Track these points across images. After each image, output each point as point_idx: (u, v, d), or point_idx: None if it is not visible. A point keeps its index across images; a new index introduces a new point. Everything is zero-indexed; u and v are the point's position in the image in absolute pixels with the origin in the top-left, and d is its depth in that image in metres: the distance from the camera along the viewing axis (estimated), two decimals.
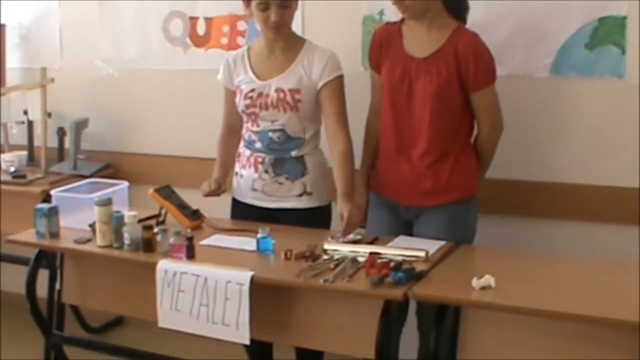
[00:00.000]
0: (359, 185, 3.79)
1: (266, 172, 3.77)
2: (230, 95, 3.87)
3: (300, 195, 3.78)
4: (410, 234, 3.65)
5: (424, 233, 3.59)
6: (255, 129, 3.77)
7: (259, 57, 3.80)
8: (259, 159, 3.79)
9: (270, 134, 3.74)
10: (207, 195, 3.81)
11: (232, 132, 3.92)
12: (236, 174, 3.88)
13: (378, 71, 3.71)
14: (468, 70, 3.49)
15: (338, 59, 3.73)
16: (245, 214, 3.83)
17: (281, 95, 3.70)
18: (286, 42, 3.75)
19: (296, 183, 3.77)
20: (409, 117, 3.59)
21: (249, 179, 3.81)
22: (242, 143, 3.90)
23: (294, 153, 3.75)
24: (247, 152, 3.84)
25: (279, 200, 3.79)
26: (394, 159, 3.66)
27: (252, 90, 3.74)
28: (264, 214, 3.77)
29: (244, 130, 3.87)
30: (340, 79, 3.72)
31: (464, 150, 3.63)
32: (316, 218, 3.77)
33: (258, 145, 3.78)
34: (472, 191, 3.65)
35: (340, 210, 3.52)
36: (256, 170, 3.79)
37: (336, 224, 3.66)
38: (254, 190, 3.80)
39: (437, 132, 3.55)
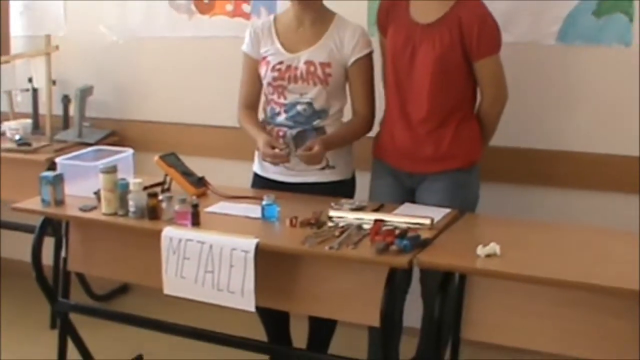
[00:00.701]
0: None
1: (287, 146, 3.73)
2: (253, 64, 3.80)
3: (323, 168, 3.76)
4: (413, 201, 3.66)
5: (426, 199, 3.60)
6: (282, 101, 3.73)
7: (287, 28, 3.75)
8: (280, 133, 3.76)
9: (298, 107, 3.71)
10: (275, 158, 3.64)
11: (250, 109, 3.84)
12: (258, 148, 3.76)
13: (386, 36, 3.71)
14: (472, 38, 3.48)
15: (368, 34, 3.73)
16: (267, 189, 3.72)
17: (311, 68, 3.66)
18: (316, 15, 3.70)
19: None
20: (410, 84, 3.59)
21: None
22: (261, 118, 3.88)
23: (315, 123, 3.73)
24: (268, 127, 3.80)
25: (301, 175, 3.76)
26: (396, 125, 3.67)
27: (281, 63, 3.70)
28: (286, 188, 3.73)
29: (265, 103, 3.84)
30: (370, 55, 3.71)
31: (466, 117, 3.62)
32: (339, 192, 3.73)
33: (281, 117, 3.74)
34: (474, 158, 3.65)
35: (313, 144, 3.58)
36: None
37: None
38: (276, 164, 3.75)
39: (438, 99, 3.55)
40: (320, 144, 3.59)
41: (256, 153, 3.85)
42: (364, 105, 3.72)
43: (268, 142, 3.61)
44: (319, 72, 3.66)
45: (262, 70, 3.75)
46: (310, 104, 3.70)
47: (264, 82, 3.77)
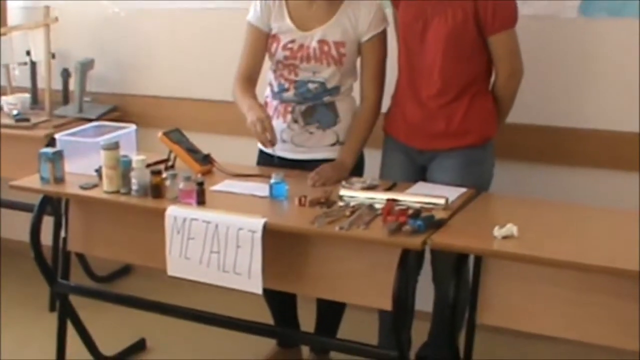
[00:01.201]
0: None
1: (295, 121, 3.72)
2: (259, 36, 3.74)
3: (333, 144, 3.75)
4: (424, 179, 3.66)
5: (438, 177, 3.60)
6: (292, 77, 3.71)
7: (298, 5, 3.69)
8: (289, 108, 3.74)
9: (309, 84, 3.70)
10: (260, 139, 3.55)
11: (250, 82, 3.76)
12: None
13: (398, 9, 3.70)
14: (486, 12, 3.45)
15: (383, 8, 3.70)
16: (274, 167, 3.68)
17: (325, 48, 3.64)
18: None
19: (328, 132, 3.74)
20: (421, 59, 3.57)
21: (277, 130, 3.68)
22: (268, 93, 3.86)
23: (325, 99, 3.72)
24: (275, 102, 3.79)
25: (309, 151, 3.75)
26: (407, 100, 3.66)
27: (292, 42, 3.67)
28: (293, 166, 3.70)
29: (272, 78, 3.80)
30: (385, 31, 3.69)
31: (480, 92, 3.60)
32: (354, 166, 3.73)
33: (290, 93, 3.73)
34: (488, 134, 3.64)
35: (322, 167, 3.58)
36: (285, 120, 3.75)
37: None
38: (283, 141, 3.73)
39: (450, 75, 3.53)
40: (341, 169, 3.63)
41: None
42: (373, 88, 3.71)
43: (261, 120, 3.51)
44: (333, 51, 3.64)
45: (273, 47, 3.72)
46: (322, 83, 3.69)
47: (273, 60, 3.74)
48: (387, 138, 3.82)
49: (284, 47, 3.68)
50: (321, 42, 3.64)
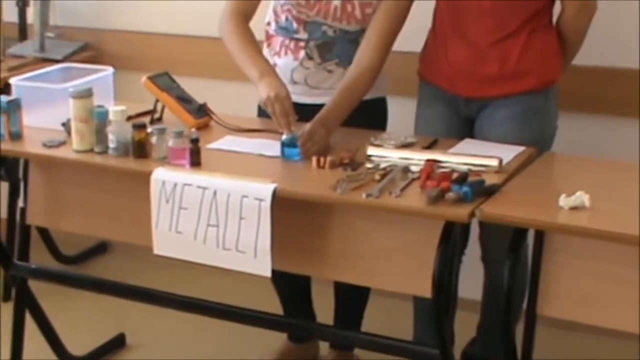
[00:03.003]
0: None
1: (310, 57, 3.75)
2: None
3: None
4: (472, 135, 3.71)
5: (488, 131, 3.65)
6: (304, 18, 3.73)
7: None
8: (301, 44, 3.77)
9: (324, 27, 3.73)
10: (285, 124, 3.45)
11: (246, 20, 3.75)
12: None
13: None
14: None
15: None
16: None
17: (348, 8, 3.68)
18: None
19: None
20: None
21: (286, 69, 3.73)
22: (272, 26, 3.88)
23: (347, 37, 3.74)
24: (280, 38, 3.82)
25: (327, 94, 3.71)
26: (450, 37, 3.69)
27: None
28: (307, 113, 3.62)
29: (278, 11, 3.81)
30: None
31: (541, 27, 3.64)
32: (371, 114, 3.77)
33: (300, 35, 3.77)
34: (550, 78, 3.67)
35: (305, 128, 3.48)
36: (296, 57, 3.77)
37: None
38: (294, 83, 3.75)
39: (505, 5, 3.56)
40: (315, 122, 3.51)
41: None
42: (379, 49, 3.68)
43: (281, 100, 3.43)
44: (357, 12, 3.68)
45: None
46: (342, 30, 3.73)
47: (279, 3, 3.77)
48: (424, 84, 3.85)
49: None
50: (345, 1, 3.67)
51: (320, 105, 3.64)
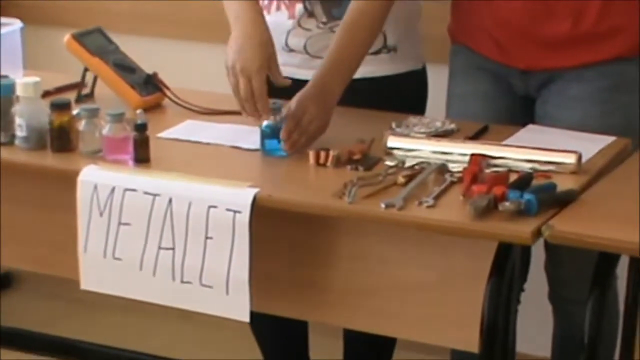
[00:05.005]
0: None
1: (311, 14, 3.77)
2: None
3: (378, 52, 3.74)
4: (533, 119, 3.70)
5: (558, 116, 3.63)
6: None
7: None
8: None
9: None
10: (251, 110, 3.42)
11: None
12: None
13: None
14: None
15: None
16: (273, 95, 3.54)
17: None
18: None
19: None
20: None
21: (278, 31, 3.69)
22: None
23: None
24: None
25: None
26: None
27: None
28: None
29: None
30: None
31: None
32: (405, 94, 3.80)
33: None
34: None
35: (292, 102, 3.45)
36: (292, 13, 3.78)
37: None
38: (289, 50, 3.81)
39: None
40: (327, 104, 3.46)
41: None
42: None
43: (248, 75, 3.35)
44: None
45: None
46: None
47: None
48: (458, 47, 3.89)
49: None
50: None
51: None
